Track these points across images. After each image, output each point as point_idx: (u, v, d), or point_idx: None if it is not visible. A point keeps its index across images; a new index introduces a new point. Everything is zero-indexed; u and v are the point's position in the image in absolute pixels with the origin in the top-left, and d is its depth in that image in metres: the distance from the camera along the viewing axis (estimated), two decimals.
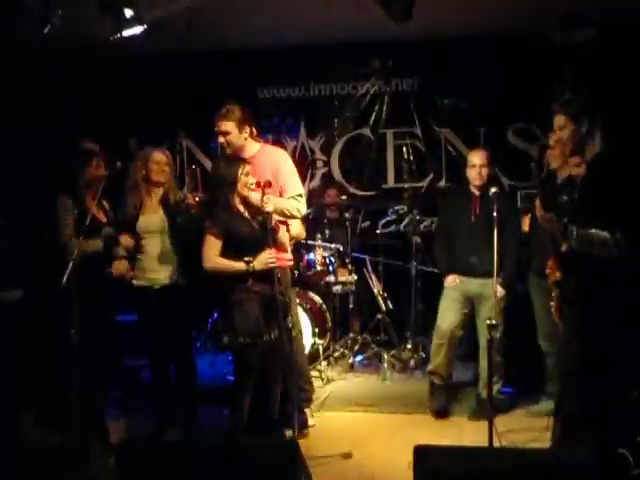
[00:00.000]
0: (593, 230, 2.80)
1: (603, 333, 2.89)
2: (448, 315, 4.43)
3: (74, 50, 5.35)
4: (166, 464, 2.29)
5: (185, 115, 6.20)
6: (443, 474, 2.19)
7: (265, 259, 3.43)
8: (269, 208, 3.45)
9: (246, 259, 3.41)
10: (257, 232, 3.52)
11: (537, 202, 2.93)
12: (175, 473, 2.24)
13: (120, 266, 3.81)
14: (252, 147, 3.88)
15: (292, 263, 4.15)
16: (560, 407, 3.27)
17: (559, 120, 3.08)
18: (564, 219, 2.83)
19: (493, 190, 3.61)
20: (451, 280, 4.47)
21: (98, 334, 3.72)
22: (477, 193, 4.36)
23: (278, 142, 6.30)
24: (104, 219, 3.84)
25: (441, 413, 4.46)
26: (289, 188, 3.81)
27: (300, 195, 3.85)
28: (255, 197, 3.48)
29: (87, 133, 4.17)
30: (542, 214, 2.90)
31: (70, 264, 3.22)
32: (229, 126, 3.72)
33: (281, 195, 3.80)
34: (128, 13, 4.32)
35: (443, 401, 4.49)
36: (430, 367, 4.52)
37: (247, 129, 3.78)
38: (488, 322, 3.08)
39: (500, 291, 4.29)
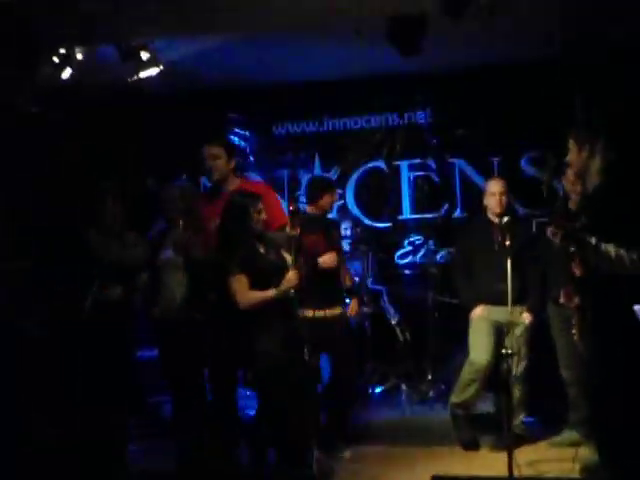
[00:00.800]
0: (610, 246, 2.84)
1: (625, 354, 2.89)
2: (482, 350, 4.37)
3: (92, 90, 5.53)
4: None
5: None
6: None
7: (291, 278, 3.49)
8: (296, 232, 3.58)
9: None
10: (275, 264, 3.58)
11: (553, 226, 2.97)
12: None
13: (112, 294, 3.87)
14: (234, 181, 4.03)
15: None
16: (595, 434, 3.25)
17: (570, 143, 3.18)
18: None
19: (505, 219, 3.64)
20: (480, 311, 4.44)
21: (117, 368, 3.80)
22: (497, 221, 4.37)
23: (293, 177, 6.45)
24: None
25: (471, 445, 4.41)
26: (274, 220, 3.88)
27: (286, 225, 3.86)
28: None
29: (106, 173, 4.30)
30: (561, 233, 2.94)
31: (89, 299, 3.29)
32: (219, 150, 3.90)
33: (267, 228, 3.83)
34: (145, 56, 4.48)
35: (471, 432, 4.45)
36: (456, 400, 4.46)
37: (232, 162, 3.98)
38: (504, 351, 3.08)
39: (528, 317, 4.30)
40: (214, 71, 5.61)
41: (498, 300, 4.19)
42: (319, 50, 5.31)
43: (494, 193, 4.40)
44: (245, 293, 3.52)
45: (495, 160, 6.06)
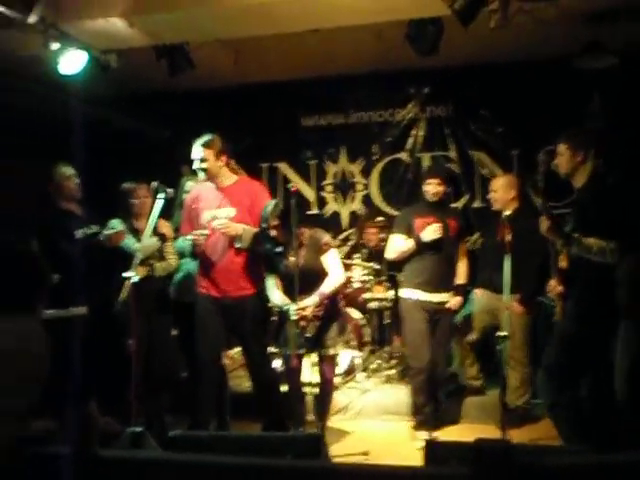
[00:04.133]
0: (591, 239, 3.13)
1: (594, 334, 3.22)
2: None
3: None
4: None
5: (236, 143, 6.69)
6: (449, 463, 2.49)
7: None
8: None
9: None
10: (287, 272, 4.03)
11: (543, 216, 3.28)
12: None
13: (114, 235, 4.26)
14: (229, 178, 4.18)
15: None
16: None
17: (560, 148, 3.53)
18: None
19: (505, 213, 3.92)
20: (478, 292, 4.88)
21: (156, 344, 4.22)
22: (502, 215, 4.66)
23: (320, 167, 6.76)
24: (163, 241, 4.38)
25: None
26: None
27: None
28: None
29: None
30: (547, 225, 3.25)
31: (128, 282, 3.67)
32: (206, 153, 4.04)
33: (256, 226, 4.07)
34: (179, 57, 4.81)
35: None
36: None
37: (223, 158, 4.08)
38: (498, 333, 3.39)
39: (517, 307, 4.57)
40: (245, 66, 5.91)
41: (491, 287, 4.72)
42: (345, 46, 5.56)
43: (490, 190, 4.88)
44: (273, 292, 4.06)
45: (514, 153, 6.27)
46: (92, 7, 4.32)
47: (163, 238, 4.31)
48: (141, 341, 3.86)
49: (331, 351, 4.04)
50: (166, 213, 4.27)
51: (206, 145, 4.05)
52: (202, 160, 4.05)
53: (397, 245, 4.58)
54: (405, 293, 4.63)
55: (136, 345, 3.74)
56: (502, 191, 4.81)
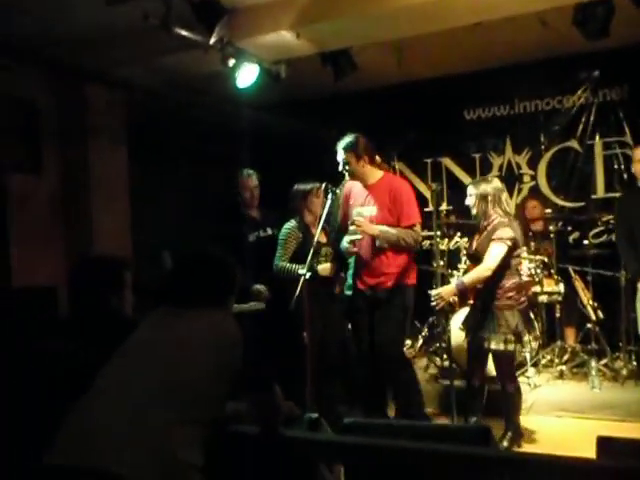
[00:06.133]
0: None
1: None
2: None
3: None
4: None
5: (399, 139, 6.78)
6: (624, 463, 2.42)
7: None
8: None
9: None
10: None
11: None
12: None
13: (327, 267, 4.44)
14: (374, 175, 4.31)
15: None
16: None
17: None
18: None
19: None
20: None
21: (329, 337, 4.45)
22: None
23: (485, 160, 6.68)
24: (324, 240, 4.51)
25: None
26: (404, 218, 4.17)
27: (413, 225, 4.21)
28: None
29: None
30: None
31: (302, 280, 3.91)
32: (347, 156, 4.20)
33: (398, 223, 4.17)
34: (343, 61, 5.02)
35: None
36: None
37: (365, 158, 4.20)
38: None
39: None
40: (406, 65, 5.99)
41: None
42: (508, 36, 5.45)
43: (636, 160, 4.42)
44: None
45: None
46: (262, 23, 4.67)
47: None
48: (315, 334, 4.10)
49: (485, 344, 3.98)
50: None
51: (347, 148, 4.22)
52: (344, 163, 4.24)
53: None
54: None
55: (310, 338, 3.99)
56: None
